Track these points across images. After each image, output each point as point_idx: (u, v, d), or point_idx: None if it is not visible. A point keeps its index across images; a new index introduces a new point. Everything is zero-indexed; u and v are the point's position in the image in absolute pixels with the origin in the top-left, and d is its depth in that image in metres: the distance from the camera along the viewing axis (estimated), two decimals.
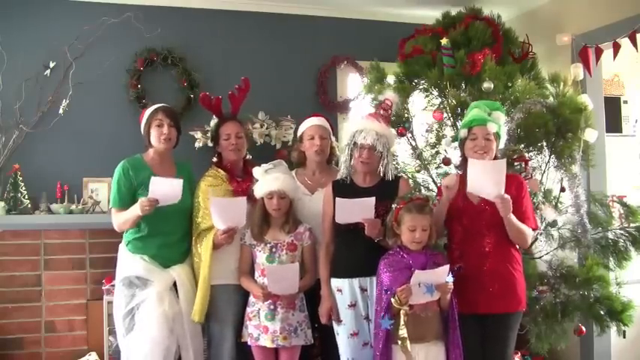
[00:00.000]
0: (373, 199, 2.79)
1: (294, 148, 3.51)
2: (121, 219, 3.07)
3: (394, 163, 3.30)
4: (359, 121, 3.08)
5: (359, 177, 3.03)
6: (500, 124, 2.91)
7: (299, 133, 3.44)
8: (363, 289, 2.89)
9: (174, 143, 3.20)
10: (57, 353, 4.00)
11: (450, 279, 2.61)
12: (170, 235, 3.12)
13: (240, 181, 3.23)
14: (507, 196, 2.68)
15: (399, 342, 2.59)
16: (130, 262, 3.08)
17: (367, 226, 2.80)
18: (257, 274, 3.08)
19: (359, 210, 2.81)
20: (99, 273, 4.01)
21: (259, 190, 3.07)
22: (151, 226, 3.06)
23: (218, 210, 2.95)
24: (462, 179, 2.95)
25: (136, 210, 2.95)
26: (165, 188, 2.92)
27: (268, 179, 3.05)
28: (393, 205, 2.77)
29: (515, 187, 2.84)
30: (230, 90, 3.43)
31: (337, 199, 2.86)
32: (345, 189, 2.99)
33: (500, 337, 2.83)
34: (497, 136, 2.88)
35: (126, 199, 3.06)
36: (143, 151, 3.21)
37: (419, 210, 2.70)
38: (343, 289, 2.93)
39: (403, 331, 2.57)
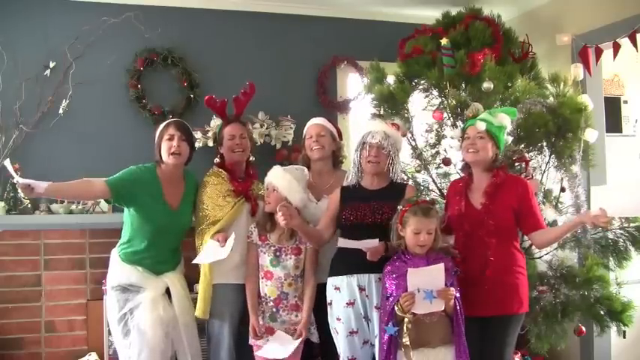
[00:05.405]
0: (376, 240, 2.77)
1: (300, 152, 3.54)
2: (72, 184, 2.99)
3: (402, 170, 3.34)
4: (367, 123, 3.17)
5: (367, 180, 3.06)
6: (503, 124, 2.90)
7: (302, 137, 3.49)
8: (361, 289, 2.89)
9: (185, 159, 3.14)
10: (57, 353, 4.00)
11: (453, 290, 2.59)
12: (165, 250, 3.13)
13: (241, 181, 3.25)
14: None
15: (403, 349, 2.58)
16: (122, 271, 3.08)
17: (369, 254, 2.79)
18: (260, 274, 3.08)
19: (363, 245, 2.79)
20: (99, 273, 3.99)
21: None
22: (149, 242, 3.06)
23: None
24: (466, 184, 2.95)
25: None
26: None
27: (273, 172, 3.08)
28: (399, 207, 2.77)
29: (523, 191, 2.85)
30: (231, 90, 3.44)
31: (341, 240, 2.85)
32: (352, 193, 3.03)
33: (499, 339, 2.83)
34: (493, 135, 2.87)
35: (118, 186, 3.00)
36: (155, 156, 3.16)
37: (424, 213, 2.68)
38: (342, 287, 2.92)
39: (406, 339, 2.56)
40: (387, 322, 2.64)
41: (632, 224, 3.51)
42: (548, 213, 3.42)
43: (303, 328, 3.02)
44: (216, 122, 4.03)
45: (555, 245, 3.48)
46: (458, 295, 2.63)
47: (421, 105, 3.88)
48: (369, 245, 2.76)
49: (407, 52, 3.90)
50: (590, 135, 3.56)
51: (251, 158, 3.37)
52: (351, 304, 2.89)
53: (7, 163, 2.87)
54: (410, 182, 3.61)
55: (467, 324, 2.66)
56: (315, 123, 3.43)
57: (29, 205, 3.84)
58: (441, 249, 2.78)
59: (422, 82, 3.83)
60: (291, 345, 2.97)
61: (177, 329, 3.08)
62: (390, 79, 3.93)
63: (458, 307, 2.63)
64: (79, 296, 4.05)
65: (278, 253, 3.04)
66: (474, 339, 2.72)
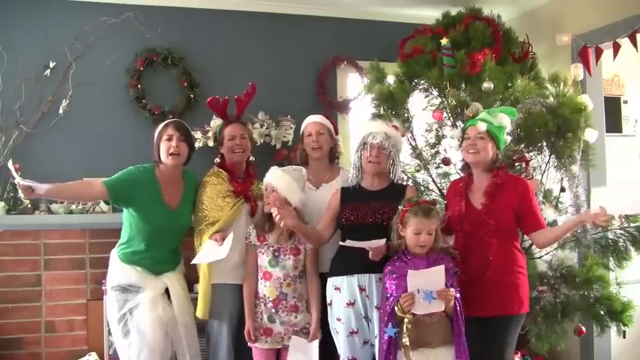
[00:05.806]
0: (383, 241, 2.76)
1: (298, 147, 3.55)
2: (71, 186, 3.03)
3: (402, 170, 3.34)
4: (368, 123, 3.19)
5: (367, 181, 3.06)
6: (503, 124, 2.90)
7: (300, 133, 3.50)
8: (361, 289, 2.88)
9: (184, 159, 3.13)
10: (57, 353, 4.00)
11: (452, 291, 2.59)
12: (164, 250, 3.13)
13: (241, 181, 3.25)
14: None
15: (403, 349, 2.58)
16: (121, 271, 3.08)
17: (371, 254, 2.78)
18: (259, 275, 3.08)
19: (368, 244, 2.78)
20: (99, 273, 3.99)
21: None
22: (148, 243, 3.06)
23: None
24: (466, 184, 2.95)
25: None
26: None
27: (272, 173, 3.07)
28: (400, 207, 2.77)
29: (523, 192, 2.85)
30: (231, 90, 3.45)
31: (347, 241, 2.81)
32: (352, 194, 3.03)
33: (499, 339, 2.83)
34: (493, 135, 2.87)
35: (116, 188, 3.00)
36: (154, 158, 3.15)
37: (425, 214, 2.68)
38: (342, 287, 2.92)
39: (406, 339, 2.56)
40: (386, 322, 2.64)
41: (632, 224, 3.51)
42: (548, 213, 3.42)
43: (317, 328, 3.03)
44: (216, 122, 4.03)
45: (555, 245, 3.47)
46: (458, 295, 2.63)
47: (421, 105, 3.88)
48: (375, 245, 2.74)
49: (407, 52, 3.90)
50: (590, 135, 3.56)
51: (251, 158, 3.38)
52: (351, 304, 2.89)
53: (10, 164, 2.87)
54: (410, 182, 3.61)
55: (467, 324, 2.66)
56: (314, 121, 3.44)
57: (29, 205, 3.84)
58: (441, 249, 2.78)
59: (422, 82, 3.83)
60: (313, 352, 2.98)
61: (176, 329, 3.08)
62: (390, 79, 3.93)
63: (458, 308, 2.63)
64: (79, 296, 4.05)
65: (277, 254, 3.04)
66: (474, 339, 2.72)
